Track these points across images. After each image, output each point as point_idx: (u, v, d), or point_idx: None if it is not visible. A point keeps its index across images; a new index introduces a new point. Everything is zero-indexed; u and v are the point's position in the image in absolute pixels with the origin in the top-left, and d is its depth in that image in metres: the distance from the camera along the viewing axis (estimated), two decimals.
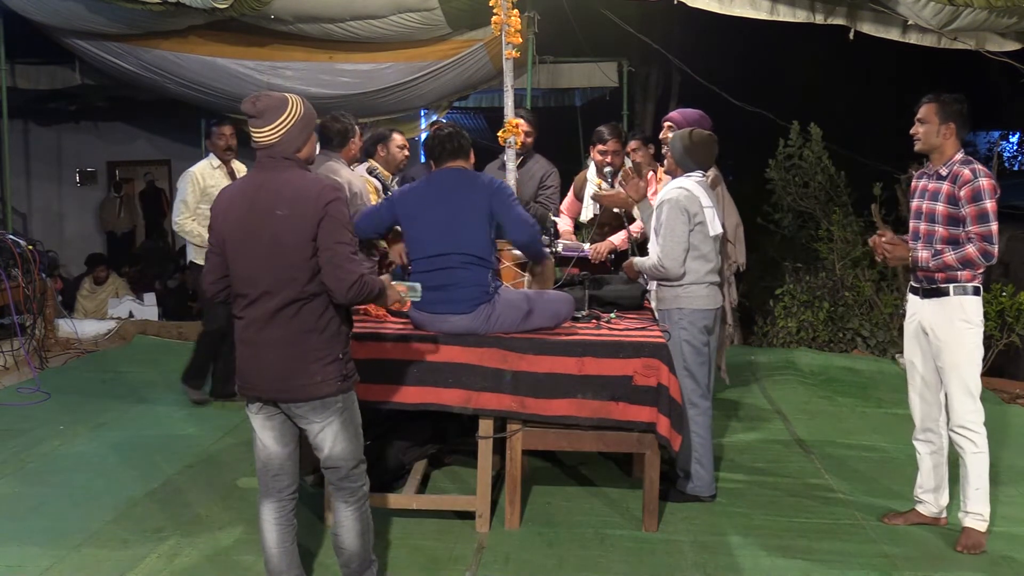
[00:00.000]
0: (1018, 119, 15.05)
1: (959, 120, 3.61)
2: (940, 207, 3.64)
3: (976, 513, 3.69)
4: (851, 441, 5.13)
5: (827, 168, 8.29)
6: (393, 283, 3.11)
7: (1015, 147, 17.48)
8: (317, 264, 2.82)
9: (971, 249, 3.54)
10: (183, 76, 7.85)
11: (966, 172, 3.58)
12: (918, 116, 3.68)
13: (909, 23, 6.30)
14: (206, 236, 5.50)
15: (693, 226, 3.97)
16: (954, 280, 3.62)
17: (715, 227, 4.01)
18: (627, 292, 4.39)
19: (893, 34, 6.52)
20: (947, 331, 3.65)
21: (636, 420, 3.68)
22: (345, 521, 3.02)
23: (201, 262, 5.55)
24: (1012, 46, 6.56)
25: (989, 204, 3.55)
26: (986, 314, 6.65)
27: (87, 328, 7.78)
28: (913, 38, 6.52)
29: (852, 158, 9.26)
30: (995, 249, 3.55)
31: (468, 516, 3.84)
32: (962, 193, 3.57)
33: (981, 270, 3.63)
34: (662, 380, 3.66)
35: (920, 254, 3.66)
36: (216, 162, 5.73)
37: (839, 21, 6.45)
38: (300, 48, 7.53)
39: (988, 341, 6.78)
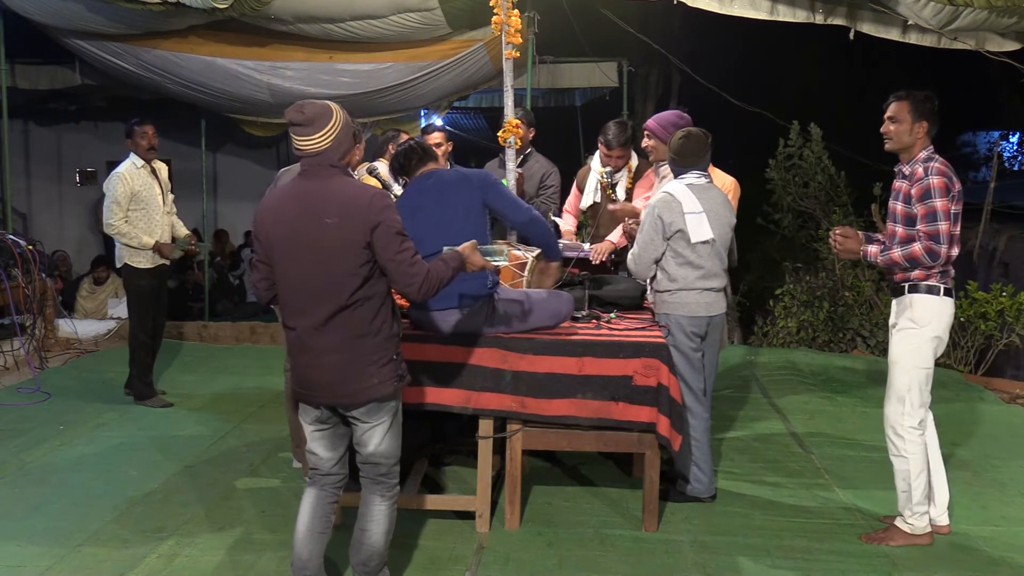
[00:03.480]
0: (1018, 119, 15.05)
1: (932, 118, 3.54)
2: (899, 206, 3.60)
3: (901, 515, 3.69)
4: (851, 441, 5.13)
5: (827, 168, 8.30)
6: (477, 248, 3.14)
7: (1015, 147, 17.48)
8: (368, 271, 2.85)
9: (917, 247, 3.47)
10: (183, 76, 7.85)
11: (919, 170, 3.51)
12: (888, 114, 3.59)
13: (909, 23, 6.30)
14: (142, 239, 5.55)
15: (671, 234, 3.95)
16: (909, 279, 3.57)
17: (700, 233, 3.93)
18: (627, 292, 4.39)
19: (893, 34, 6.52)
20: (895, 329, 3.65)
21: (636, 420, 3.67)
22: (377, 515, 3.06)
23: (136, 264, 5.57)
24: (1012, 46, 6.56)
25: (938, 203, 3.45)
26: (985, 314, 6.70)
27: (87, 328, 7.78)
28: (913, 38, 6.52)
29: (852, 158, 9.26)
30: (941, 249, 3.45)
31: (468, 516, 3.84)
32: (913, 191, 3.51)
33: (936, 269, 3.53)
34: (662, 380, 3.66)
35: (870, 249, 3.62)
36: (140, 162, 5.65)
37: (839, 21, 6.45)
38: (300, 48, 7.52)
39: (988, 341, 6.81)
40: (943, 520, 3.83)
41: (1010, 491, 4.39)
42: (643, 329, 3.95)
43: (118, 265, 5.75)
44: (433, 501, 3.93)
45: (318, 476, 3.10)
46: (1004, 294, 6.78)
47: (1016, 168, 17.03)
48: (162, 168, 5.82)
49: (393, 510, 3.10)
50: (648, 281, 4.28)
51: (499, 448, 3.96)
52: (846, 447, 5.00)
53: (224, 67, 7.68)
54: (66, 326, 7.62)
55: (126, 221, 5.55)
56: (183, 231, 5.83)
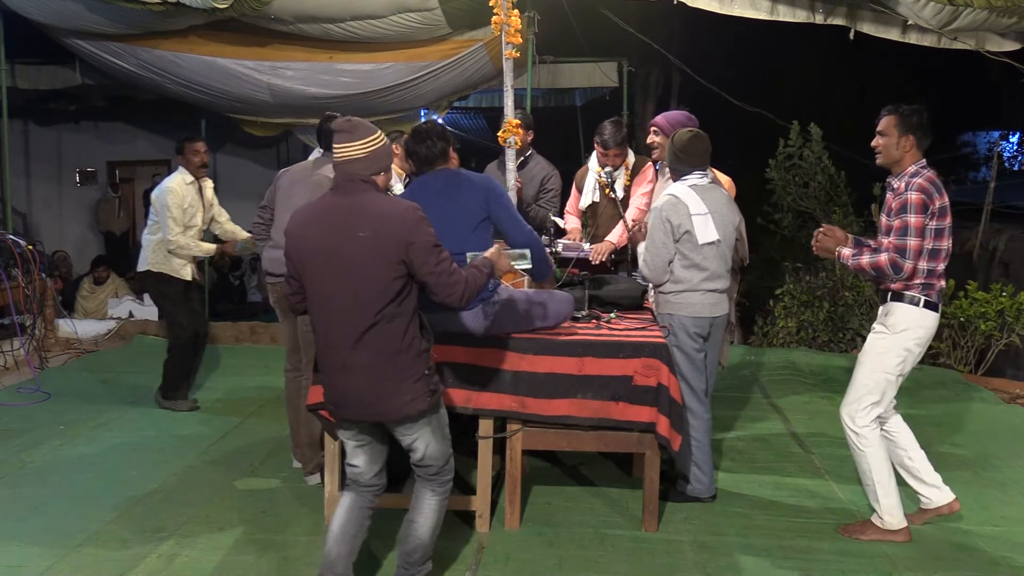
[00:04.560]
0: (1018, 119, 15.05)
1: (919, 132, 3.56)
2: (884, 219, 3.66)
3: (873, 508, 3.76)
4: None
5: (827, 168, 8.30)
6: (504, 252, 3.22)
7: (1015, 147, 17.47)
8: (400, 286, 2.86)
9: (883, 258, 3.53)
10: (183, 76, 7.85)
11: (900, 184, 3.56)
12: (878, 128, 3.63)
13: (909, 23, 6.30)
14: (201, 247, 5.53)
15: (679, 236, 3.95)
16: (890, 288, 3.63)
17: (707, 235, 3.94)
18: (627, 292, 4.38)
19: (893, 34, 6.52)
20: (871, 332, 3.74)
21: (636, 420, 3.67)
22: (426, 509, 3.11)
23: (174, 273, 5.53)
24: (1012, 46, 6.56)
25: (911, 218, 3.48)
26: (985, 314, 6.70)
27: (87, 328, 7.78)
28: (913, 38, 6.52)
29: (852, 158, 9.26)
30: (906, 264, 3.49)
31: (468, 516, 3.84)
32: (894, 205, 3.56)
33: (917, 281, 3.56)
34: (662, 380, 3.66)
35: (843, 251, 3.66)
36: (189, 178, 5.53)
37: (839, 21, 6.45)
38: (300, 48, 7.53)
39: (988, 341, 6.81)
40: (947, 497, 3.82)
41: (1010, 491, 4.39)
42: (643, 329, 3.95)
43: (143, 269, 5.65)
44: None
45: (357, 487, 3.14)
46: (1004, 294, 6.78)
47: (1016, 168, 17.01)
48: (208, 186, 5.72)
49: (443, 505, 3.15)
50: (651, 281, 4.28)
51: (499, 448, 3.96)
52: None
53: (224, 67, 7.68)
54: (66, 326, 7.63)
55: (183, 234, 5.48)
56: (243, 234, 5.77)
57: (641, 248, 4.14)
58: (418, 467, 3.11)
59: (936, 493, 3.83)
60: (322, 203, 2.97)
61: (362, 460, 3.10)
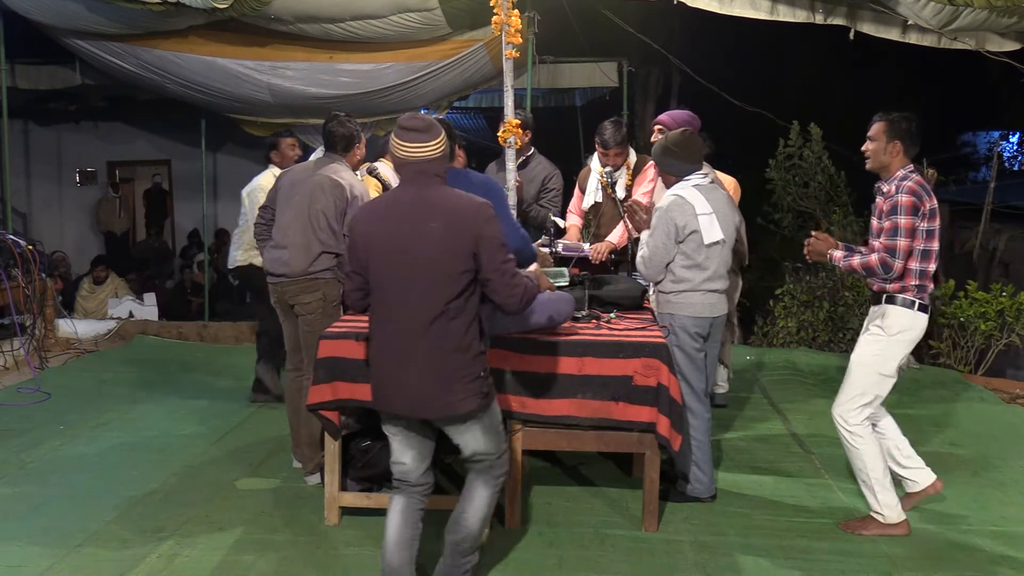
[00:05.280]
0: (1018, 119, 15.04)
1: (907, 138, 3.67)
2: (875, 222, 3.75)
3: (869, 504, 3.82)
4: None
5: (827, 168, 8.31)
6: (543, 271, 3.27)
7: (1015, 147, 17.47)
8: (467, 280, 2.88)
9: (873, 258, 3.64)
10: (183, 76, 7.85)
11: (891, 187, 3.67)
12: (869, 134, 3.75)
13: (909, 23, 6.30)
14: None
15: (684, 236, 3.94)
16: (885, 290, 3.71)
17: (712, 234, 3.94)
18: (627, 292, 4.38)
19: (893, 34, 6.52)
20: (866, 334, 3.81)
21: (636, 420, 3.68)
22: (477, 500, 3.12)
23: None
24: (1012, 46, 6.56)
25: (902, 220, 3.58)
26: (985, 314, 6.70)
27: (87, 328, 7.78)
28: (913, 38, 6.52)
29: (852, 158, 9.25)
30: (895, 263, 3.59)
31: None
32: (885, 207, 3.67)
33: (912, 283, 3.66)
34: (662, 380, 3.66)
35: (835, 253, 3.77)
36: (278, 172, 5.36)
37: (839, 21, 6.45)
38: (300, 48, 7.52)
39: (988, 341, 6.81)
40: (928, 478, 3.92)
41: (1010, 491, 4.39)
42: (643, 329, 3.95)
43: (235, 266, 5.76)
44: (433, 501, 3.90)
45: (406, 486, 3.13)
46: (1004, 294, 6.78)
47: (1016, 168, 17.01)
48: None
49: (494, 498, 3.16)
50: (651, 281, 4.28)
51: None
52: None
53: (224, 67, 7.68)
54: (66, 326, 7.63)
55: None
56: None
57: (644, 236, 4.14)
58: (471, 463, 3.12)
59: (921, 474, 3.92)
60: (391, 197, 3.00)
61: (409, 457, 3.09)
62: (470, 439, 3.04)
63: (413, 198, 2.91)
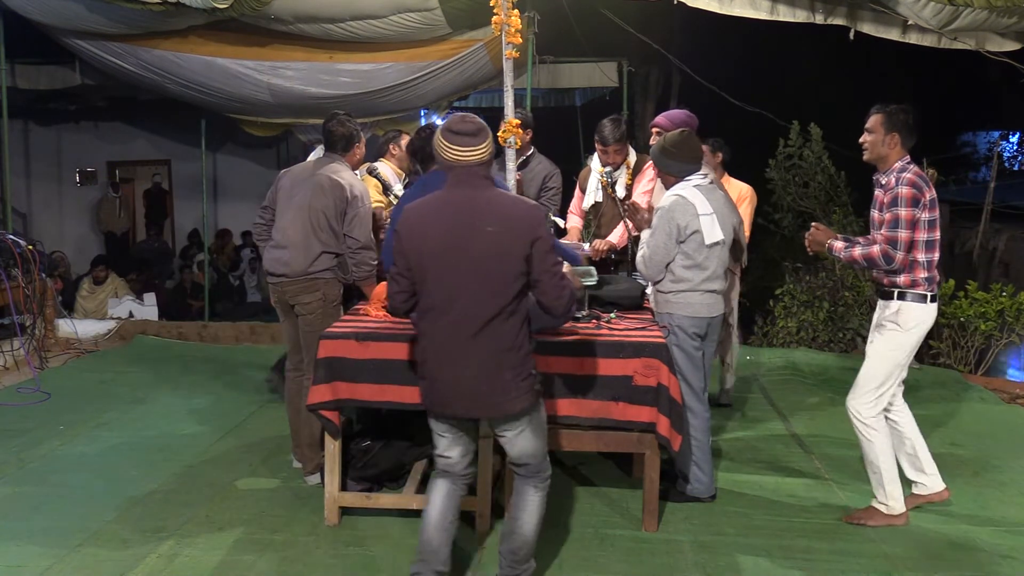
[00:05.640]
0: (1018, 119, 15.06)
1: (904, 130, 3.69)
2: (876, 214, 3.77)
3: (874, 496, 3.89)
4: (851, 441, 5.09)
5: (827, 168, 8.31)
6: (573, 271, 3.30)
7: (1015, 147, 17.48)
8: (521, 283, 2.90)
9: (875, 249, 3.66)
10: (183, 76, 7.85)
11: (891, 179, 3.68)
12: (867, 126, 3.76)
13: (909, 23, 6.30)
14: None
15: (685, 236, 3.94)
16: (897, 285, 3.73)
17: (713, 235, 3.94)
18: (627, 292, 4.38)
19: (893, 34, 6.52)
20: (879, 329, 3.84)
21: (636, 420, 3.67)
22: (529, 506, 3.13)
23: None
24: (1012, 46, 6.56)
25: (903, 212, 3.60)
26: (985, 314, 6.70)
27: (87, 328, 7.78)
28: (913, 38, 6.52)
29: (852, 158, 9.26)
30: (897, 255, 3.62)
31: (468, 516, 3.83)
32: (885, 199, 3.69)
33: (922, 275, 3.69)
34: (662, 380, 3.66)
35: (835, 244, 3.80)
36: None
37: (839, 21, 6.45)
38: (300, 48, 7.52)
39: (988, 341, 6.81)
40: (938, 485, 3.98)
41: (1010, 491, 4.39)
42: (643, 329, 3.95)
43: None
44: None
45: (451, 475, 3.16)
46: (1004, 294, 6.78)
47: (1016, 168, 17.03)
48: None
49: (544, 501, 3.16)
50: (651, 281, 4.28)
51: (499, 448, 3.94)
52: (846, 447, 4.99)
53: (224, 67, 7.68)
54: (66, 326, 7.63)
55: None
56: None
57: (645, 235, 4.14)
58: (515, 465, 3.14)
59: (933, 481, 3.98)
60: (441, 199, 2.99)
61: (456, 452, 3.13)
62: (520, 440, 3.05)
63: (466, 200, 2.93)
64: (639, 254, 4.13)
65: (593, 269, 3.54)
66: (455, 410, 3.00)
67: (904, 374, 3.87)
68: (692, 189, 3.98)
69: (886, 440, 3.83)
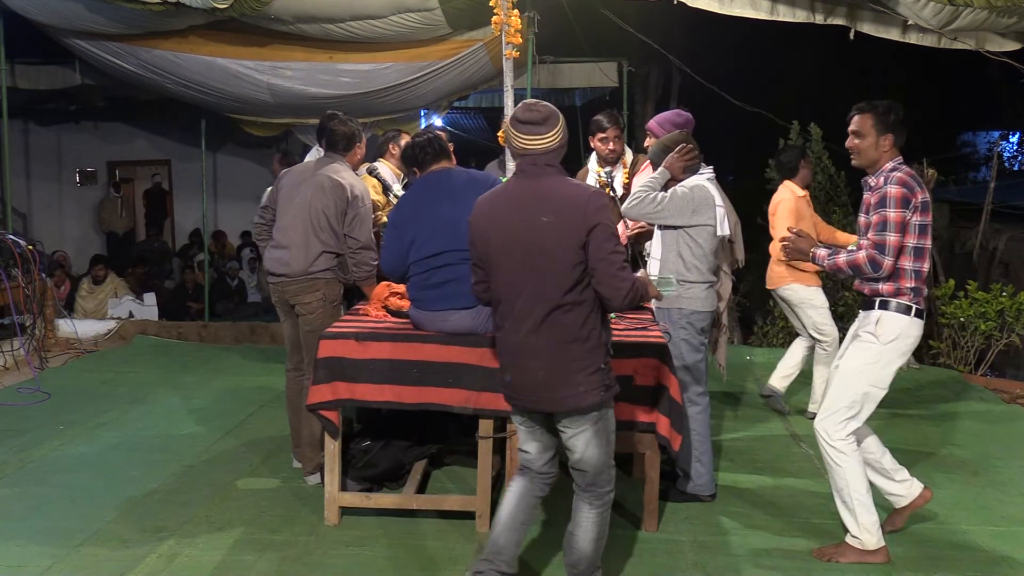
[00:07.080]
0: (1018, 119, 15.04)
1: (897, 129, 3.40)
2: (863, 218, 3.48)
3: (845, 529, 3.53)
4: None
5: (827, 168, 8.30)
6: (650, 279, 3.21)
7: (1015, 147, 17.47)
8: (581, 272, 2.82)
9: (861, 255, 3.34)
10: (183, 76, 7.85)
11: (879, 180, 3.39)
12: (852, 128, 3.46)
13: (909, 23, 6.30)
14: None
15: (694, 221, 3.95)
16: (879, 293, 3.40)
17: (724, 227, 4.00)
18: None
19: (893, 34, 6.52)
20: (853, 340, 3.52)
21: (636, 420, 3.68)
22: (584, 522, 3.02)
23: None
24: (1012, 46, 6.56)
25: (891, 213, 3.29)
26: (985, 314, 6.70)
27: (87, 328, 7.79)
28: (913, 38, 6.52)
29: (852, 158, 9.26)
30: (886, 261, 3.29)
31: (468, 516, 3.83)
32: (872, 201, 3.40)
33: (908, 286, 3.36)
34: (662, 380, 3.66)
35: (818, 251, 3.51)
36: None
37: (839, 21, 6.45)
38: (300, 48, 7.52)
39: (988, 341, 6.81)
40: (916, 489, 3.66)
41: (1010, 491, 4.39)
42: (643, 329, 3.95)
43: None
44: (433, 501, 3.93)
45: (530, 472, 3.10)
46: (1004, 294, 6.78)
47: (1016, 168, 17.02)
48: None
49: (604, 517, 3.04)
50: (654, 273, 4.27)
51: (499, 448, 3.96)
52: None
53: (224, 67, 7.68)
54: (66, 326, 7.63)
55: None
56: None
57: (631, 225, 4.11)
58: (575, 471, 3.02)
59: (908, 487, 3.66)
60: (507, 189, 2.97)
61: (533, 448, 3.07)
62: (578, 442, 2.93)
63: (527, 190, 2.89)
64: (636, 186, 4.04)
65: (673, 278, 3.36)
66: (524, 403, 2.96)
67: (883, 394, 3.45)
68: (707, 182, 4.03)
69: (857, 466, 3.43)
